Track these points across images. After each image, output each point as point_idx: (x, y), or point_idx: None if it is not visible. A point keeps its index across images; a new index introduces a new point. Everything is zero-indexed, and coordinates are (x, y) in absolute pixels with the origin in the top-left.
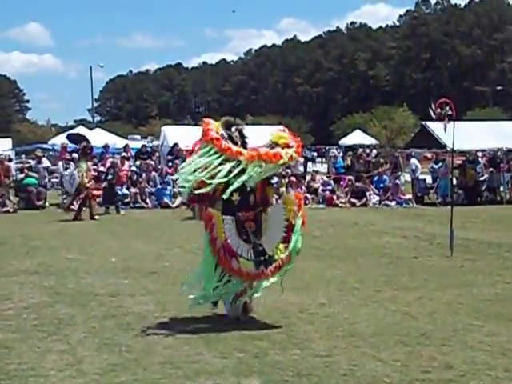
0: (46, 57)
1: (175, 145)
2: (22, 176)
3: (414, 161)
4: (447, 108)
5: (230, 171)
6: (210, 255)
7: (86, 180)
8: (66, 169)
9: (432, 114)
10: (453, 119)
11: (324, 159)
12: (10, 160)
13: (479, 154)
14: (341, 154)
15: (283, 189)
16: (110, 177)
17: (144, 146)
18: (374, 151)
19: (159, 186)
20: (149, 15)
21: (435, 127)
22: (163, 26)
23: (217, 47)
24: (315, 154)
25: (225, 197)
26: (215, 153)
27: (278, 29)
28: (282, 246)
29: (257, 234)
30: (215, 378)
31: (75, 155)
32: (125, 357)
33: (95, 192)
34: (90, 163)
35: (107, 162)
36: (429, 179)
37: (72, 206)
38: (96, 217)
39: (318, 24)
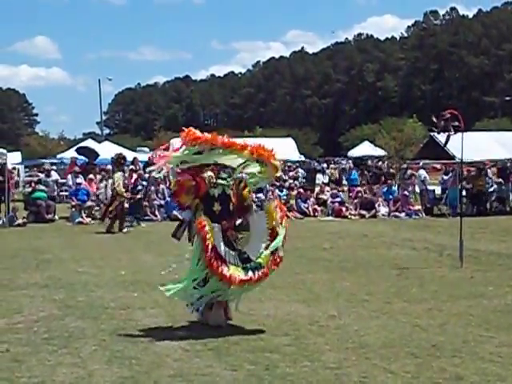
0: (54, 70)
1: None
2: (29, 189)
3: (422, 172)
4: (452, 119)
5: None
6: (201, 264)
7: (123, 189)
8: (78, 183)
9: (435, 127)
10: (460, 130)
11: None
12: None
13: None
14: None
15: (293, 201)
16: (139, 188)
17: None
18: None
19: (168, 199)
20: (155, 28)
21: (443, 138)
22: (169, 38)
23: (224, 60)
24: (325, 165)
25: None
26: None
27: (285, 41)
28: (266, 252)
29: (238, 242)
30: None
31: (109, 167)
32: (135, 370)
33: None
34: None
35: None
36: (438, 190)
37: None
38: (124, 230)
39: (324, 36)
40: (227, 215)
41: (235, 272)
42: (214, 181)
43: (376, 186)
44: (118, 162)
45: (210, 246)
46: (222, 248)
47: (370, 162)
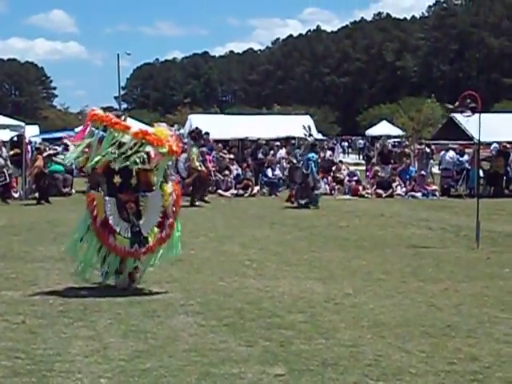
0: (71, 44)
1: (206, 133)
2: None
3: (443, 153)
4: (468, 100)
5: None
6: (92, 232)
7: (197, 164)
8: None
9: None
10: (478, 111)
11: (350, 149)
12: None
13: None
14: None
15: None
16: None
17: None
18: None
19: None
20: (170, 3)
21: (462, 119)
22: (185, 14)
23: (240, 36)
24: (346, 144)
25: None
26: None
27: (302, 18)
28: (156, 229)
29: (136, 215)
30: (240, 366)
31: (186, 140)
32: (150, 343)
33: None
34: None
35: None
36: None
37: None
38: (197, 203)
39: (341, 14)
40: (127, 188)
41: (122, 243)
42: (115, 156)
43: (390, 166)
44: (193, 136)
45: (98, 218)
46: (114, 219)
47: (387, 142)
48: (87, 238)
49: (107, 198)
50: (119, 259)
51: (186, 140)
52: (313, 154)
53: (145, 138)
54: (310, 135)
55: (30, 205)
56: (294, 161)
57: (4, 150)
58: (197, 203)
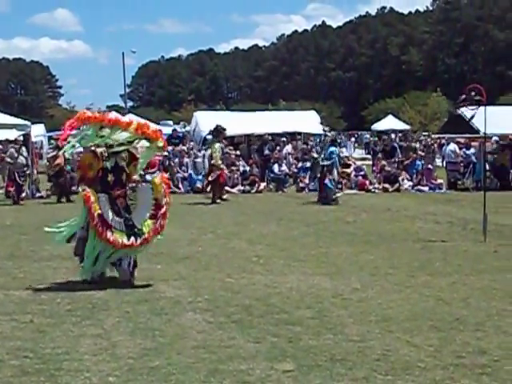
0: (76, 43)
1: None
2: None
3: (448, 146)
4: (473, 93)
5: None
6: (91, 230)
7: (220, 162)
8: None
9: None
10: (483, 104)
11: (357, 144)
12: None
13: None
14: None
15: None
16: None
17: (175, 130)
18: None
19: (191, 172)
20: (173, 0)
21: (468, 112)
22: (189, 11)
23: (245, 33)
24: (353, 139)
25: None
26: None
27: (305, 14)
28: (149, 221)
29: (127, 209)
30: (249, 362)
31: (209, 136)
32: (158, 341)
33: None
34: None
35: None
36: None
37: None
38: (218, 200)
39: (344, 9)
40: (119, 185)
41: (119, 237)
42: (106, 155)
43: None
44: (218, 133)
45: (95, 214)
46: (109, 215)
47: (393, 136)
48: (88, 236)
49: (100, 194)
50: (111, 252)
51: (209, 137)
52: (334, 148)
53: (144, 133)
54: (331, 130)
55: (38, 204)
56: (316, 155)
57: (24, 149)
58: (218, 201)
